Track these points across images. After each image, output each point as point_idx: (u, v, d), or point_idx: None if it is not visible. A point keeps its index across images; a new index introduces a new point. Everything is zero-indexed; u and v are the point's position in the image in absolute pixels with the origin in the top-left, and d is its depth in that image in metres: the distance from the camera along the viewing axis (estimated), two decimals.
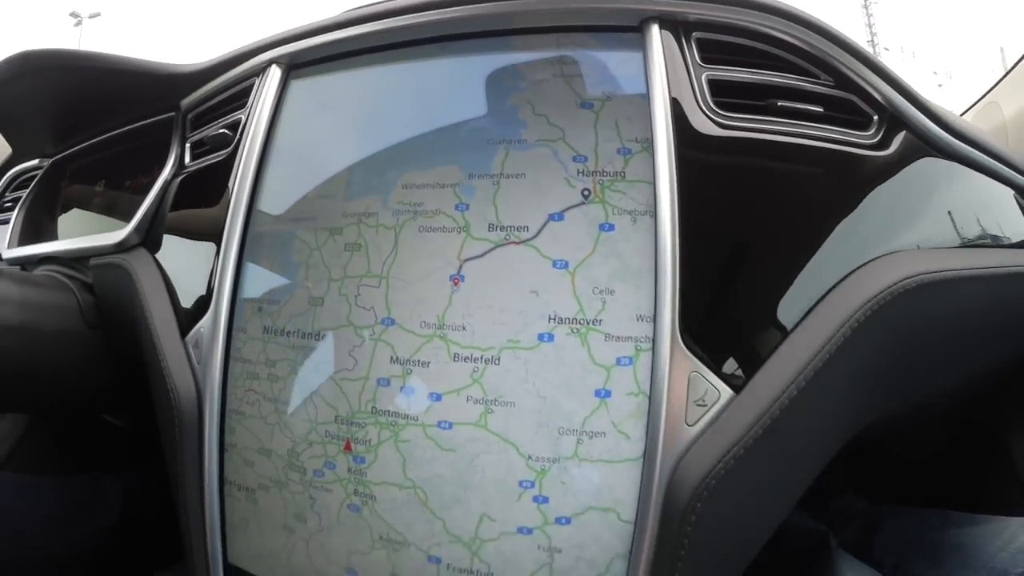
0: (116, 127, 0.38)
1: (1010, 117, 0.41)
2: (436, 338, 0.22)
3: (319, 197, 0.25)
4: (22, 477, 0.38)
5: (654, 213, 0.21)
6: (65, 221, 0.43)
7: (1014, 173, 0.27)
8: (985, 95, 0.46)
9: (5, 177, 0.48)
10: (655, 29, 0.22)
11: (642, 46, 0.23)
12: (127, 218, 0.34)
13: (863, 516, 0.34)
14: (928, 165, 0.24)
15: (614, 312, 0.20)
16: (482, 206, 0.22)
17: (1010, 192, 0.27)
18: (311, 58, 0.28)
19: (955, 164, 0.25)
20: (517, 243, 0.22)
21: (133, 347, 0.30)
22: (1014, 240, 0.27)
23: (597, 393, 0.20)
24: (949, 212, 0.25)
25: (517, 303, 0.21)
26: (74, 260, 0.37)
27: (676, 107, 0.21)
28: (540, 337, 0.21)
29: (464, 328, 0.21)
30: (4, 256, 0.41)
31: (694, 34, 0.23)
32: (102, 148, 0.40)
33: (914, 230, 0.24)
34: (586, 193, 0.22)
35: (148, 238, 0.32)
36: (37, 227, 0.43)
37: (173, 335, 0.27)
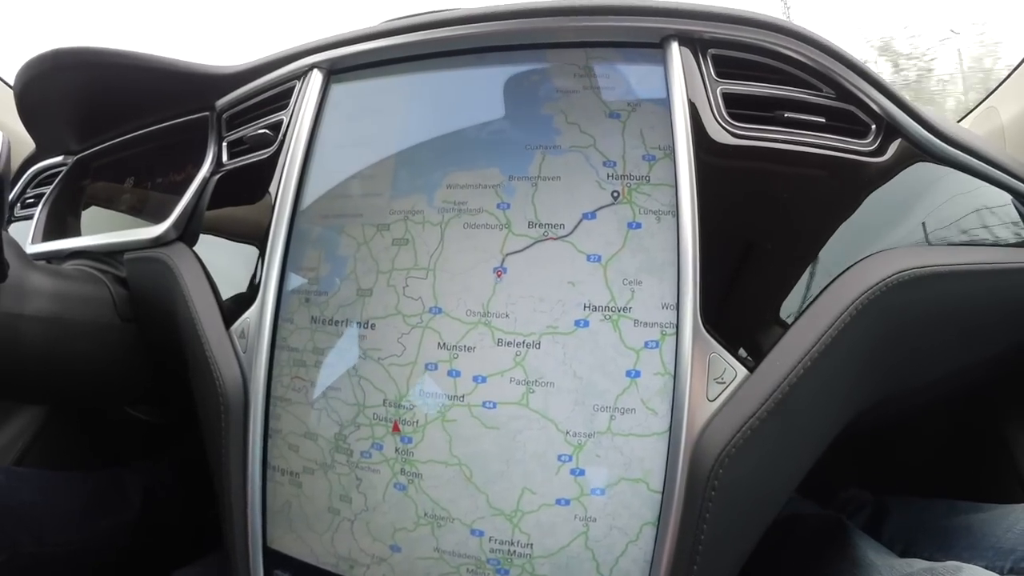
0: (145, 126, 0.40)
1: (1008, 122, 0.44)
2: (481, 325, 0.24)
3: (365, 195, 0.28)
4: (41, 473, 0.39)
5: (676, 213, 0.24)
6: (88, 218, 0.45)
7: (1004, 175, 0.30)
8: (984, 100, 0.49)
9: (28, 173, 0.49)
10: (675, 46, 0.26)
11: (663, 61, 0.26)
12: (155, 215, 0.36)
13: (871, 506, 0.36)
14: (922, 170, 0.27)
15: (642, 300, 0.23)
16: (522, 205, 0.25)
17: (999, 193, 0.30)
18: (352, 64, 0.30)
19: (948, 168, 0.28)
20: (555, 239, 0.25)
21: (171, 339, 0.33)
22: (1003, 239, 0.30)
23: (628, 373, 0.23)
24: (944, 214, 0.28)
25: (555, 293, 0.24)
26: (105, 255, 0.38)
27: (695, 118, 0.24)
28: (576, 323, 0.24)
29: (507, 315, 0.24)
30: (30, 251, 0.42)
31: (710, 51, 0.26)
32: (129, 146, 0.42)
33: (908, 229, 0.27)
34: (615, 195, 0.25)
35: (186, 233, 0.34)
36: (60, 224, 0.45)
37: (217, 326, 0.30)
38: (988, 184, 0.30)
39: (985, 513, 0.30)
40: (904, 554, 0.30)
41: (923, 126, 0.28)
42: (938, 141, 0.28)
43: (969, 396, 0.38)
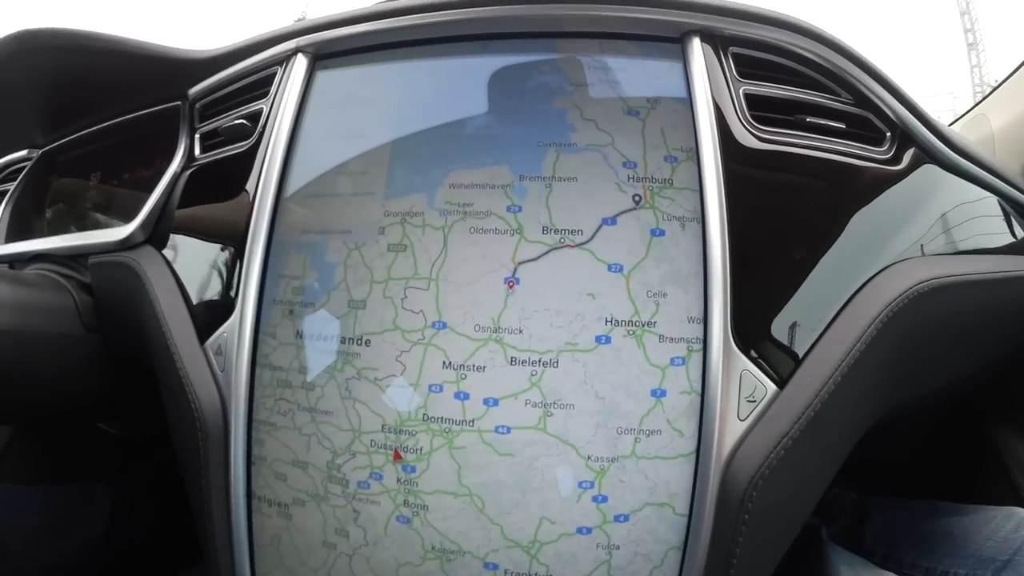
0: (113, 116, 0.33)
1: (997, 129, 0.41)
2: (492, 341, 0.20)
3: (356, 194, 0.23)
4: (5, 488, 0.33)
5: (701, 220, 0.20)
6: (54, 217, 0.37)
7: (1005, 185, 0.28)
8: (974, 107, 0.46)
9: None
10: (696, 42, 0.22)
11: (682, 57, 0.22)
12: (123, 213, 0.29)
13: (852, 508, 0.34)
14: (932, 178, 0.25)
15: (667, 314, 0.19)
16: (535, 208, 0.20)
17: (996, 201, 0.28)
18: (341, 48, 0.25)
19: (953, 176, 0.26)
20: (572, 246, 0.20)
21: (139, 351, 0.26)
22: (1005, 247, 0.28)
23: (653, 393, 0.19)
24: (951, 221, 0.26)
25: (574, 306, 0.20)
26: (69, 258, 0.31)
27: (720, 118, 0.21)
28: (597, 339, 0.19)
29: (521, 331, 0.20)
30: None
31: (731, 49, 0.22)
32: (97, 139, 0.34)
33: (922, 239, 0.24)
34: (637, 199, 0.20)
35: (155, 235, 0.28)
36: (25, 223, 0.37)
37: (191, 340, 0.24)
38: (988, 192, 0.28)
39: (967, 517, 0.28)
40: (886, 559, 0.28)
41: (935, 134, 0.25)
42: (947, 149, 0.26)
43: (963, 396, 0.36)
